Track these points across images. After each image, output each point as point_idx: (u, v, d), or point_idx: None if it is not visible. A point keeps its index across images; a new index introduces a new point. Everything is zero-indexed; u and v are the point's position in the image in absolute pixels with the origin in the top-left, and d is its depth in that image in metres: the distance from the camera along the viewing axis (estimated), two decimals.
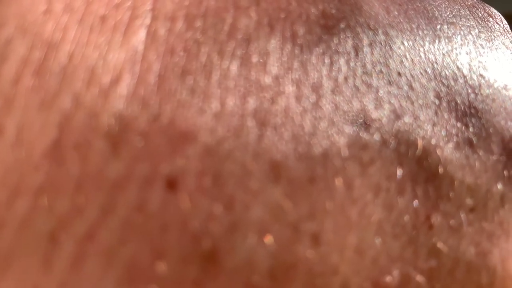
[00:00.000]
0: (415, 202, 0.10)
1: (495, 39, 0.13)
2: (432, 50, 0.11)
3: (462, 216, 0.10)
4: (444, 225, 0.10)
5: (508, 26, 0.13)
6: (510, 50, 0.13)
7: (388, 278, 0.10)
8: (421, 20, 0.11)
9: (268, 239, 0.09)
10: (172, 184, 0.08)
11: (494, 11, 0.13)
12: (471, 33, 0.12)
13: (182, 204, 0.08)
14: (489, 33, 0.13)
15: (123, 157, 0.08)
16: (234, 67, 0.09)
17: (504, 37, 0.13)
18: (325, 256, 0.09)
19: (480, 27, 0.12)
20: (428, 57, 0.11)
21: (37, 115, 0.08)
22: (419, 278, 0.10)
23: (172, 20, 0.10)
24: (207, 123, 0.09)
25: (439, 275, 0.10)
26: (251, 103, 0.09)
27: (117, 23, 0.09)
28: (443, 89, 0.11)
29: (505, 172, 0.11)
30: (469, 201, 0.11)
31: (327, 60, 0.10)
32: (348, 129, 0.10)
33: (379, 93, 0.10)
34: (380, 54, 0.10)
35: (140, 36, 0.09)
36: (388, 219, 0.10)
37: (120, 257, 0.08)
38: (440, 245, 0.10)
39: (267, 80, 0.09)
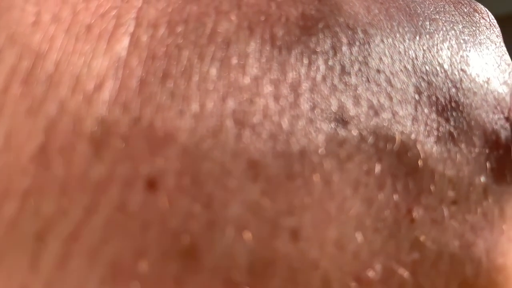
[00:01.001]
0: (396, 196, 0.10)
1: (480, 33, 0.13)
2: (413, 47, 0.11)
3: (444, 209, 0.11)
4: (426, 218, 0.10)
5: (495, 21, 0.13)
6: (496, 44, 0.13)
7: (370, 273, 0.10)
8: (402, 17, 0.12)
9: (247, 235, 0.09)
10: (152, 184, 0.09)
11: (480, 7, 0.13)
12: (454, 28, 0.12)
13: (161, 204, 0.09)
14: (474, 28, 0.13)
15: (105, 159, 0.09)
16: (213, 70, 0.10)
17: (490, 31, 0.13)
18: (304, 251, 0.09)
19: (464, 22, 0.13)
20: (408, 54, 0.11)
21: (25, 121, 0.09)
22: (402, 271, 0.10)
23: (155, 26, 0.10)
24: (186, 124, 0.09)
25: (423, 268, 0.10)
26: (230, 104, 0.09)
27: (102, 32, 0.10)
28: (424, 84, 0.11)
29: (488, 164, 0.11)
30: (451, 194, 0.11)
31: (305, 60, 0.10)
32: (326, 127, 0.10)
33: (357, 91, 0.10)
34: (359, 52, 0.11)
35: (123, 43, 0.10)
36: (368, 213, 0.10)
37: (104, 255, 0.09)
38: (422, 238, 0.10)
39: (246, 81, 0.10)
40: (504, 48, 0.13)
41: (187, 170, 0.09)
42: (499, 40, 0.13)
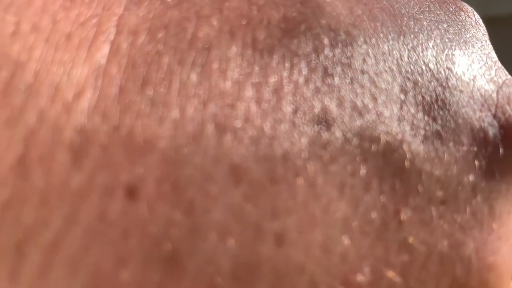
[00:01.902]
0: (382, 198, 0.10)
1: (466, 32, 0.13)
2: (397, 46, 0.11)
3: (432, 209, 0.10)
4: (414, 219, 0.10)
5: (481, 20, 0.13)
6: (482, 42, 0.13)
7: (358, 276, 0.10)
8: (386, 18, 0.12)
9: (230, 241, 0.09)
10: (132, 192, 0.09)
11: (466, 6, 0.13)
12: (439, 27, 0.12)
13: (141, 211, 0.09)
14: (459, 27, 0.13)
15: (85, 168, 0.09)
16: (194, 75, 0.10)
17: (476, 29, 0.13)
18: (290, 255, 0.09)
19: (450, 21, 0.12)
20: (393, 54, 0.11)
21: (4, 131, 0.09)
22: (391, 274, 0.10)
23: (135, 33, 0.10)
24: (165, 131, 0.09)
25: (412, 269, 0.10)
26: (211, 109, 0.09)
27: (82, 40, 0.10)
28: (409, 84, 0.11)
29: (476, 163, 0.11)
30: (439, 194, 0.11)
31: (287, 63, 0.10)
32: (309, 129, 0.10)
33: (340, 93, 0.10)
34: (341, 54, 0.11)
35: (103, 51, 0.10)
36: (354, 215, 0.10)
37: (85, 265, 0.08)
38: (411, 239, 0.10)
39: (227, 85, 0.10)
40: (490, 46, 0.13)
41: (167, 177, 0.09)
42: (485, 38, 0.13)
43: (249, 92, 0.10)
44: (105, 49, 0.10)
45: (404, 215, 0.10)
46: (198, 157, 0.09)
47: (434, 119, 0.11)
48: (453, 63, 0.12)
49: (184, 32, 0.10)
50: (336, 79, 0.10)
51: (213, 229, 0.09)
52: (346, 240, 0.10)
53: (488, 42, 0.13)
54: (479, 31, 0.13)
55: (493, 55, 0.13)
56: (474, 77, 0.12)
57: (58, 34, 0.10)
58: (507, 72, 0.13)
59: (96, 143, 0.09)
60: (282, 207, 0.09)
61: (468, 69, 0.12)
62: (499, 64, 0.13)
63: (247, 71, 0.10)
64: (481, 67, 0.12)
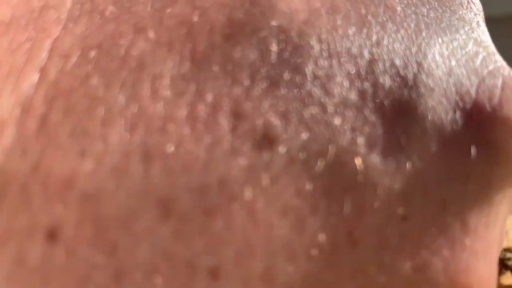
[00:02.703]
0: (332, 218, 0.09)
1: (452, 14, 0.11)
2: (357, 43, 0.10)
3: (392, 227, 0.10)
4: (371, 240, 0.09)
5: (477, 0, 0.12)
6: (470, 25, 0.11)
7: None
8: (349, 8, 0.10)
9: (157, 280, 0.08)
10: (52, 236, 0.08)
11: None
12: (416, 12, 0.11)
13: (61, 256, 0.08)
14: (444, 8, 0.11)
15: (4, 210, 0.08)
16: (122, 98, 0.09)
17: (466, 10, 0.11)
18: None
19: (433, 3, 0.11)
20: (351, 52, 0.10)
21: None
22: None
23: (67, 57, 0.09)
24: (87, 167, 0.09)
25: None
26: (138, 136, 0.09)
27: (12, 69, 0.09)
28: (368, 87, 0.10)
29: (445, 173, 0.10)
30: (400, 210, 0.10)
31: (228, 75, 0.09)
32: (248, 150, 0.09)
33: (286, 105, 0.09)
34: (290, 58, 0.10)
35: (32, 80, 0.09)
36: (299, 240, 0.09)
37: None
38: (366, 264, 0.09)
39: (158, 107, 0.09)
40: (482, 28, 0.11)
41: (88, 217, 0.08)
42: (477, 19, 0.11)
43: (182, 113, 0.09)
44: (34, 77, 0.09)
45: (359, 236, 0.09)
46: (122, 193, 0.09)
47: (396, 126, 0.10)
48: (425, 56, 0.10)
49: (118, 49, 0.09)
50: (282, 90, 0.09)
51: (139, 270, 0.08)
52: (290, 268, 0.09)
53: (481, 23, 0.11)
54: (470, 11, 0.11)
55: (484, 38, 0.11)
56: (451, 69, 0.10)
57: None
58: (499, 58, 0.11)
59: (15, 184, 0.09)
60: (217, 240, 0.09)
61: (444, 61, 0.10)
62: (490, 49, 0.11)
63: (182, 88, 0.09)
64: (462, 56, 0.11)
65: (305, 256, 0.09)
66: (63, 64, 0.09)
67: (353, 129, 0.09)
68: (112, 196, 0.09)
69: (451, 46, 0.11)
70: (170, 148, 0.09)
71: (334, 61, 0.10)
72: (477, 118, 0.10)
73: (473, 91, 0.10)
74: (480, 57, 0.11)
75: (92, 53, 0.09)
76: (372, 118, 0.10)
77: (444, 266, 0.10)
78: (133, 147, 0.09)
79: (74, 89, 0.09)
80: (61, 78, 0.09)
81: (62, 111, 0.09)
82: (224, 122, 0.09)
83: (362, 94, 0.10)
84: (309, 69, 0.10)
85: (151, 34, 0.10)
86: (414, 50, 0.10)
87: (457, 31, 0.11)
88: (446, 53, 0.11)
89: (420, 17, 0.11)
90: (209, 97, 0.09)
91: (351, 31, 0.10)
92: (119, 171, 0.09)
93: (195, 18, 0.10)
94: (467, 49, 0.11)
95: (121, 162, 0.09)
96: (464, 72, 0.10)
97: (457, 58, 0.11)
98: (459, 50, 0.11)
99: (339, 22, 0.10)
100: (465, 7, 0.11)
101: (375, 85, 0.10)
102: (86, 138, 0.09)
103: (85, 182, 0.09)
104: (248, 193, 0.09)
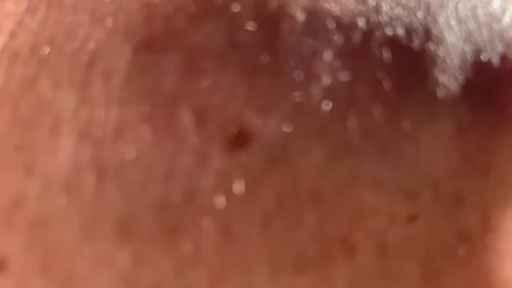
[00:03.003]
0: (322, 225, 0.08)
1: None
2: (350, 10, 0.08)
3: (396, 229, 0.08)
4: (370, 246, 0.08)
5: None
6: None
7: None
8: None
9: None
10: (3, 266, 0.08)
11: None
12: None
13: None
14: None
15: None
16: (71, 103, 0.08)
17: None
18: None
19: None
20: (343, 22, 0.08)
21: None
22: None
23: (17, 57, 0.08)
24: (34, 186, 0.08)
25: None
26: (89, 147, 0.08)
27: None
28: (364, 66, 0.08)
29: (461, 161, 0.08)
30: (405, 208, 0.08)
31: (190, 64, 0.08)
32: (218, 151, 0.08)
33: (264, 95, 0.08)
34: (268, 38, 0.08)
35: None
36: (283, 253, 0.08)
37: None
38: (365, 275, 0.08)
39: (112, 112, 0.08)
40: None
41: (37, 244, 0.08)
42: None
43: (139, 113, 0.08)
44: None
45: (356, 242, 0.08)
46: (73, 215, 0.08)
47: (398, 109, 0.08)
48: (435, 20, 0.08)
49: (72, 43, 0.08)
50: (258, 77, 0.08)
51: None
52: (275, 286, 0.08)
53: None
54: None
55: None
56: (469, 35, 0.08)
57: None
58: None
59: None
60: (185, 261, 0.08)
61: (459, 25, 0.09)
62: None
63: (137, 85, 0.08)
64: (483, 17, 0.09)
65: (292, 270, 0.08)
66: (12, 67, 0.08)
67: (343, 117, 0.08)
68: (62, 218, 0.08)
69: (469, 5, 0.09)
70: (128, 158, 0.08)
71: (321, 36, 0.08)
72: (504, 94, 0.08)
73: (497, 61, 0.08)
74: (509, 15, 0.09)
75: (44, 51, 0.08)
76: (369, 102, 0.08)
77: (460, 272, 0.08)
78: (85, 161, 0.08)
79: (20, 95, 0.08)
80: (7, 86, 0.08)
81: (6, 124, 0.08)
82: (187, 119, 0.08)
83: (355, 74, 0.08)
84: (290, 49, 0.08)
85: (109, 22, 0.08)
86: (420, 14, 0.08)
87: None
88: (462, 14, 0.09)
89: None
90: (167, 90, 0.08)
91: None
92: (69, 190, 0.08)
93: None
94: (490, 7, 0.09)
95: (72, 178, 0.08)
96: (485, 37, 0.09)
97: (476, 19, 0.09)
98: (480, 9, 0.09)
99: None
100: None
101: (371, 61, 0.08)
102: (33, 151, 0.08)
103: (33, 204, 0.08)
104: (220, 205, 0.08)
